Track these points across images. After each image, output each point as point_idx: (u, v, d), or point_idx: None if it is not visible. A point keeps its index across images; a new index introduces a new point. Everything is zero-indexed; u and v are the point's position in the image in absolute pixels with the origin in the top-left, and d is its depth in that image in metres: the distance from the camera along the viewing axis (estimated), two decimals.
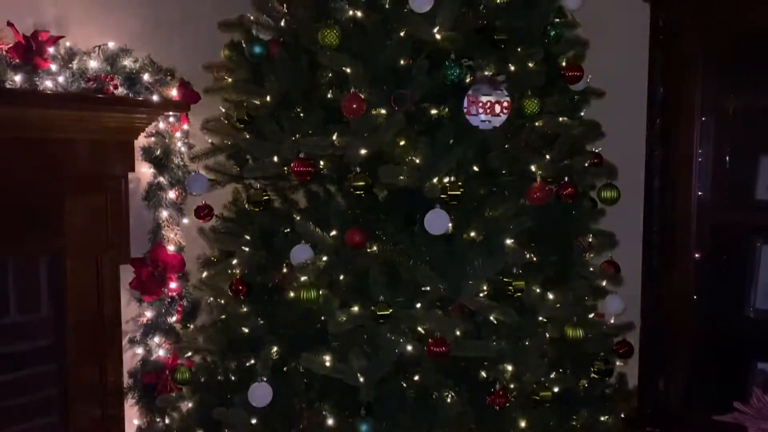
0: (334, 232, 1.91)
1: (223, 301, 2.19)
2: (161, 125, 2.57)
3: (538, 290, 1.98)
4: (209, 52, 2.39)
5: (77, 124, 2.29)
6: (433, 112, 1.92)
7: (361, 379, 1.82)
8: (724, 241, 2.30)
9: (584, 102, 2.21)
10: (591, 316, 2.13)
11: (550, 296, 1.97)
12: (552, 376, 1.98)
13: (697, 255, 2.16)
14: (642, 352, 2.27)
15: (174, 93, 2.52)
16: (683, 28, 2.10)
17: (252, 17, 2.08)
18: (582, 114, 2.21)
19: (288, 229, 2.07)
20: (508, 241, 1.89)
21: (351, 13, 1.85)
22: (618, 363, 2.15)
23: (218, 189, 2.24)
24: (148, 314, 2.59)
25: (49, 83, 2.17)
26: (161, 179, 2.58)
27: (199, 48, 2.62)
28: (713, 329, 2.26)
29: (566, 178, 1.95)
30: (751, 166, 2.23)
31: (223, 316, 2.16)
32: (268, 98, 2.01)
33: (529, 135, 1.96)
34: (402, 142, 1.88)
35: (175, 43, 2.68)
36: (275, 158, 1.99)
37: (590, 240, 2.17)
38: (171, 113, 2.57)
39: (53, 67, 2.19)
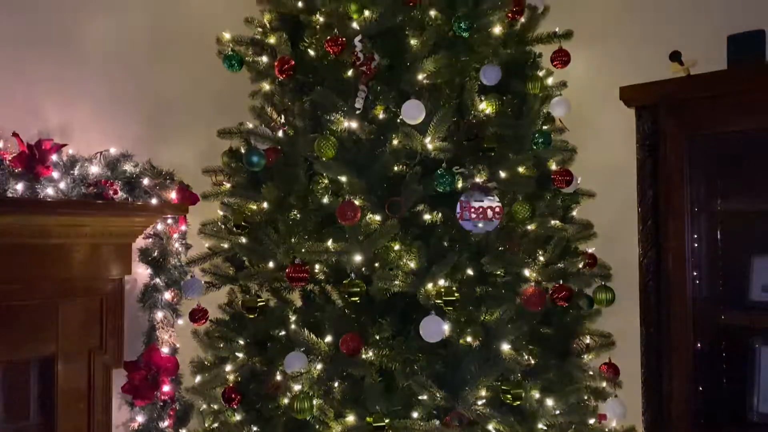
0: (328, 338, 1.90)
1: (215, 407, 2.15)
2: (159, 227, 2.59)
3: (537, 396, 1.94)
4: (209, 154, 2.45)
5: (76, 230, 2.31)
6: (427, 217, 1.95)
7: None
8: (722, 340, 2.28)
9: (575, 202, 2.24)
10: (592, 421, 2.09)
11: (550, 402, 1.93)
12: None
13: (698, 344, 2.13)
14: None
15: (173, 195, 2.56)
16: (666, 134, 2.17)
17: (250, 125, 2.15)
18: (574, 214, 2.24)
19: (283, 332, 2.06)
20: (506, 347, 1.87)
21: (346, 124, 1.91)
22: None
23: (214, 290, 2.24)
24: (140, 419, 2.52)
25: (50, 190, 2.21)
26: (157, 280, 2.57)
27: (199, 150, 2.69)
28: None
29: (561, 281, 1.95)
30: (743, 267, 2.24)
31: (216, 425, 2.11)
32: (265, 204, 2.05)
33: (521, 238, 1.98)
34: (396, 247, 1.91)
35: (175, 147, 2.75)
36: (271, 263, 2.00)
37: (588, 342, 2.16)
38: (169, 215, 2.59)
39: (55, 174, 2.24)
